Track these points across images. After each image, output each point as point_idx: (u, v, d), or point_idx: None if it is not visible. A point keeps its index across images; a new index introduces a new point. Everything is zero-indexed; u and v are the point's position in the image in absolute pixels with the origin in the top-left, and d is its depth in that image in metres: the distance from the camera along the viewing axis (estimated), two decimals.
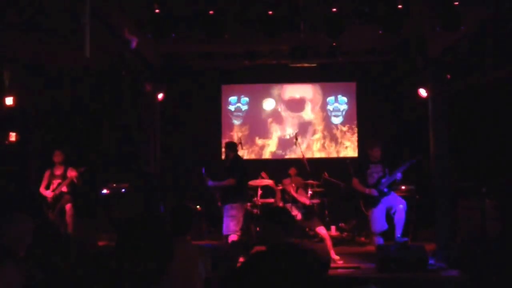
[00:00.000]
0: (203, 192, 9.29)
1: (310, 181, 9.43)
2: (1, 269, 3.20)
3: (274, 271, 3.22)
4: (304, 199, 8.03)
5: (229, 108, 11.52)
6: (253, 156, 11.38)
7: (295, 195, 8.02)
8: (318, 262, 3.66)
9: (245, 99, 11.51)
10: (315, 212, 8.53)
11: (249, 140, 11.41)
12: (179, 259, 3.63)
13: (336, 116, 11.35)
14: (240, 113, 11.51)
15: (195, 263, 3.75)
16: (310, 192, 9.27)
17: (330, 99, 11.37)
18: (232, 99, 11.52)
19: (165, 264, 2.27)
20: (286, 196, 8.16)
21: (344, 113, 11.33)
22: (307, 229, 8.13)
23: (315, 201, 9.27)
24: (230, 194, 7.75)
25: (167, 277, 3.36)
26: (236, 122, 11.50)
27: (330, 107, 11.37)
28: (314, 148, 11.33)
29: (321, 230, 7.77)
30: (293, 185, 8.27)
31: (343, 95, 11.35)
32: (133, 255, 2.17)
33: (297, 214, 7.94)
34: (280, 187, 8.46)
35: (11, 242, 3.45)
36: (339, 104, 11.32)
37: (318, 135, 11.35)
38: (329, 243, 7.60)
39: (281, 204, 8.23)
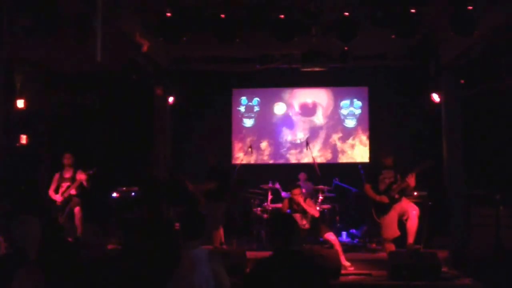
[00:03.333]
0: None
1: (321, 187, 9.37)
2: (17, 273, 3.18)
3: (279, 277, 3.21)
4: (313, 211, 7.89)
5: (239, 109, 11.46)
6: (263, 161, 11.32)
7: (304, 206, 7.87)
8: (323, 269, 3.62)
9: (256, 99, 11.44)
10: (323, 220, 8.46)
11: (260, 144, 11.34)
12: (187, 264, 3.59)
13: (349, 120, 11.26)
14: (251, 114, 11.44)
15: (204, 268, 3.70)
16: (320, 197, 9.20)
17: (345, 103, 11.28)
18: (243, 99, 11.45)
19: (172, 268, 2.24)
20: (294, 206, 8.01)
21: (357, 117, 11.24)
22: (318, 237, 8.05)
23: (326, 206, 9.20)
24: None
25: (174, 281, 3.32)
26: (247, 125, 11.44)
27: (343, 111, 11.29)
28: (325, 153, 11.25)
29: (330, 236, 7.69)
30: (304, 192, 8.18)
31: (357, 100, 11.26)
32: (140, 259, 2.14)
33: (305, 223, 7.85)
34: (289, 196, 8.33)
35: (23, 245, 3.43)
36: (354, 108, 11.23)
37: (330, 140, 11.27)
38: (339, 249, 7.51)
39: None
